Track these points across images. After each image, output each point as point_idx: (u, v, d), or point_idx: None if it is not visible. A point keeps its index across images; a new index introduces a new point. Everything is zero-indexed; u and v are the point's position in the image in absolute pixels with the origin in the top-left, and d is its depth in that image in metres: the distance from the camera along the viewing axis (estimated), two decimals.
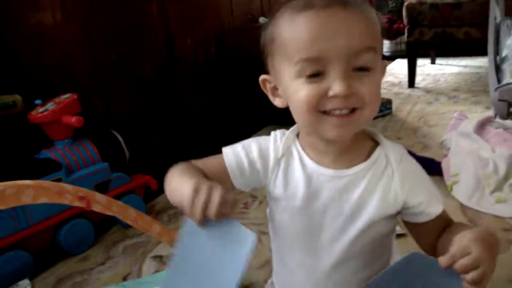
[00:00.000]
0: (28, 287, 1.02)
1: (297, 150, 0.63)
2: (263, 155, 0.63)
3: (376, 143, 0.63)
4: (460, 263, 0.47)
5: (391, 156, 0.60)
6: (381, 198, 0.59)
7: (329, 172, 0.60)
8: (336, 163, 0.60)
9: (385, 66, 0.61)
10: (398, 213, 0.63)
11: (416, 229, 0.65)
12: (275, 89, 0.62)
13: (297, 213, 0.61)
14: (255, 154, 0.63)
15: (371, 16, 0.55)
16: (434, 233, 0.62)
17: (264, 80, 0.63)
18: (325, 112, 0.54)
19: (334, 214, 0.59)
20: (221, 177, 0.62)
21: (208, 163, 0.64)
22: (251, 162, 0.63)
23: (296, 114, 0.58)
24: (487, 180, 1.22)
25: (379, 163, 0.60)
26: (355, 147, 0.61)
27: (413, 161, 0.64)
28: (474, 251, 0.47)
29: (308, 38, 0.52)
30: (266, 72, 0.63)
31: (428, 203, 0.61)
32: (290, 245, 0.65)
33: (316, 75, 0.53)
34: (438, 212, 0.62)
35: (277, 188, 0.63)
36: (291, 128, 0.65)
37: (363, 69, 0.53)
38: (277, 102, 0.62)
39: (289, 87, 0.56)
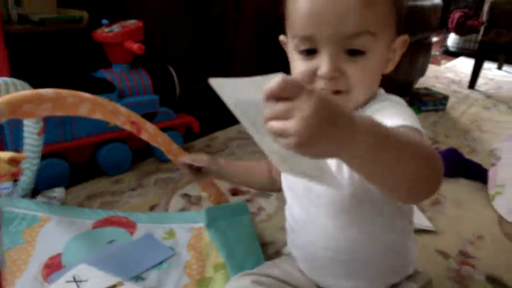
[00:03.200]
0: (62, 194, 1.07)
1: None
2: None
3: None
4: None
5: (376, 105, 0.57)
6: None
7: None
8: None
9: (405, 40, 0.57)
10: None
11: None
12: (285, 43, 0.62)
13: None
14: None
15: None
16: None
17: (282, 41, 0.63)
18: None
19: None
20: None
21: None
22: None
23: None
24: None
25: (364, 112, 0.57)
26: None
27: (398, 103, 0.58)
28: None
29: (303, 16, 0.51)
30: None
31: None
32: (293, 202, 0.67)
33: (310, 52, 0.52)
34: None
35: None
36: None
37: (356, 51, 0.51)
38: None
39: (290, 57, 0.57)
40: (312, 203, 0.63)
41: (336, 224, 0.61)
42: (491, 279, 0.92)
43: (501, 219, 1.16)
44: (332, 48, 0.51)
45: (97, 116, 0.79)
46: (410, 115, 0.53)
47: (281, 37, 0.62)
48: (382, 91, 0.61)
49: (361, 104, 0.57)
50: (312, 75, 0.53)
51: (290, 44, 0.56)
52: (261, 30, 1.90)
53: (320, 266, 0.66)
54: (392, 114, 0.53)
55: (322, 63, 0.51)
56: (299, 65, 0.54)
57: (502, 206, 1.18)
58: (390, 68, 0.57)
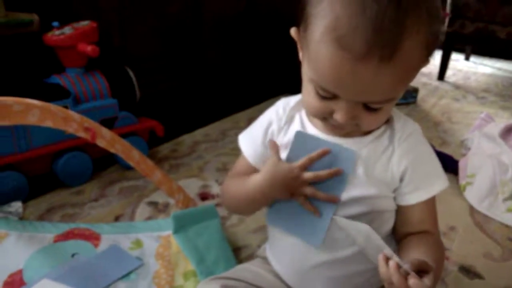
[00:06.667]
0: (19, 209, 1.02)
1: (300, 116, 0.64)
2: (268, 132, 0.65)
3: (388, 121, 0.60)
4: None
5: (397, 134, 0.59)
6: (377, 176, 0.58)
7: (327, 138, 0.60)
8: (336, 132, 0.59)
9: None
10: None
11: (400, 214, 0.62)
12: (300, 48, 0.57)
13: None
14: (261, 134, 0.65)
15: (412, 61, 0.49)
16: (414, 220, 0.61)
17: (293, 35, 0.59)
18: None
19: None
20: (256, 170, 0.64)
21: (239, 168, 0.68)
22: (263, 144, 0.65)
23: (303, 100, 0.59)
24: (503, 187, 1.17)
25: (381, 141, 0.59)
26: None
27: (423, 141, 0.62)
28: None
29: (330, 76, 0.49)
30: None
31: (420, 183, 0.59)
32: None
33: (328, 97, 0.53)
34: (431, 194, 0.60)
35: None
36: (300, 97, 0.63)
37: (374, 108, 0.52)
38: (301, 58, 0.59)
39: (304, 79, 0.56)
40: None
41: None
42: (464, 269, 0.91)
43: (472, 209, 1.15)
44: (351, 104, 0.51)
45: (48, 123, 0.74)
46: (437, 165, 0.62)
47: (293, 32, 0.58)
48: (395, 113, 0.62)
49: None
50: (328, 113, 0.54)
51: (307, 71, 0.54)
52: (223, 28, 1.87)
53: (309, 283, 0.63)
54: (426, 167, 0.60)
55: (339, 112, 0.52)
56: (313, 99, 0.54)
57: (472, 196, 1.18)
58: None
